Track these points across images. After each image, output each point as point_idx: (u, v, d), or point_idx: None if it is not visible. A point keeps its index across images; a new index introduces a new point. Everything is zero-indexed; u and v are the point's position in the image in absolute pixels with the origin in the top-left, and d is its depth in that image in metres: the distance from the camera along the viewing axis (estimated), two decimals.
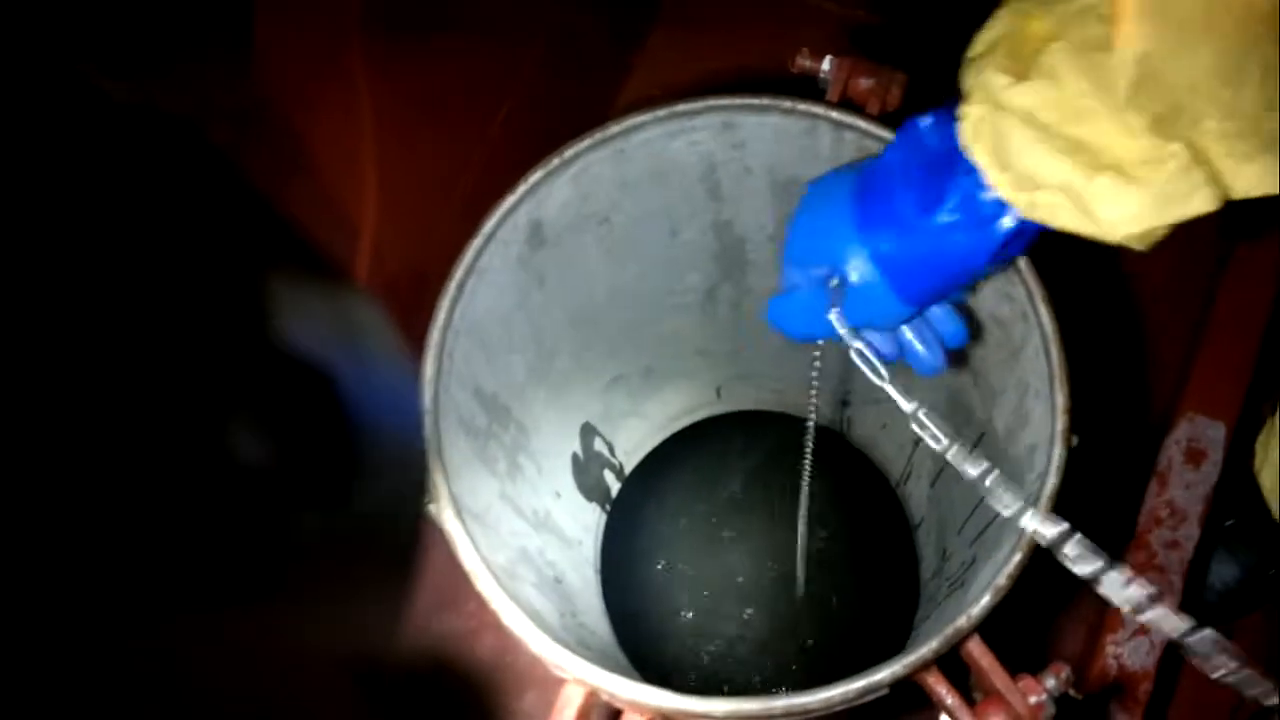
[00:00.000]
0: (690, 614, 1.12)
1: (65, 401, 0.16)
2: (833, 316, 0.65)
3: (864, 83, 0.73)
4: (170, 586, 0.17)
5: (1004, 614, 0.65)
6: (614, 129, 0.73)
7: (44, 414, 0.15)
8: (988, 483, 0.64)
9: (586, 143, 0.73)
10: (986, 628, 0.65)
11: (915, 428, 0.66)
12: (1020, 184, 0.55)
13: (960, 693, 0.64)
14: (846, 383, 1.06)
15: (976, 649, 0.64)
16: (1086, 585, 0.62)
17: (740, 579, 1.14)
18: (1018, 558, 0.63)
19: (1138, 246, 0.54)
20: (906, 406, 0.66)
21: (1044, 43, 0.53)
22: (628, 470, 1.16)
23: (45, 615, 0.15)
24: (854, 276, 0.64)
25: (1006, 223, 0.57)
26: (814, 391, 0.78)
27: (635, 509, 1.15)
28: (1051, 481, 0.65)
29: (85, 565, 0.16)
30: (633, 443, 1.14)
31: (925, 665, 0.63)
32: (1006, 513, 0.64)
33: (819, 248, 0.65)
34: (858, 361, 0.66)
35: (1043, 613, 1.05)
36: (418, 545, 0.28)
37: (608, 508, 1.15)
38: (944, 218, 0.59)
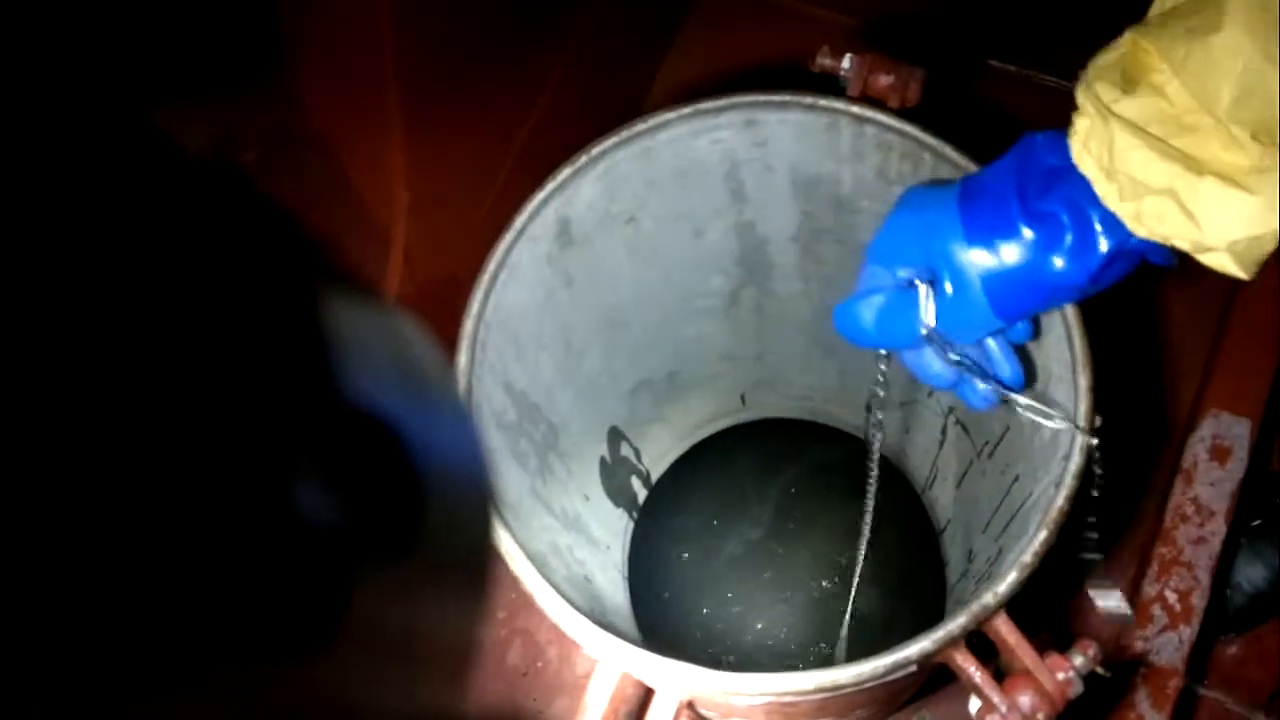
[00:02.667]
0: (717, 624, 1.13)
1: (128, 459, 0.16)
2: (923, 296, 0.65)
3: (884, 79, 0.75)
4: (218, 642, 0.17)
5: (1033, 598, 0.66)
6: (640, 126, 0.75)
7: (104, 472, 0.16)
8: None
9: (613, 140, 0.75)
10: (1016, 610, 0.66)
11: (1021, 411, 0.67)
12: (1126, 192, 0.56)
13: (989, 671, 0.65)
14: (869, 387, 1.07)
15: (1004, 627, 0.65)
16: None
17: (766, 590, 1.15)
18: (1044, 535, 0.64)
19: (1239, 266, 0.55)
20: (1036, 416, 0.67)
21: (1153, 64, 0.55)
22: (654, 477, 1.18)
23: (91, 668, 0.15)
24: (951, 283, 0.64)
25: (1105, 244, 0.59)
26: (878, 410, 0.79)
27: (662, 516, 1.16)
28: (1075, 460, 0.65)
29: (133, 618, 0.16)
30: (659, 449, 1.15)
31: (953, 641, 0.63)
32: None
33: (916, 248, 0.65)
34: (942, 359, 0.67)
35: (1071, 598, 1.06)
36: (484, 596, 0.27)
37: (635, 515, 1.16)
38: (1051, 232, 0.60)
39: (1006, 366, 0.68)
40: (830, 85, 0.78)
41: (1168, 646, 0.91)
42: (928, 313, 0.65)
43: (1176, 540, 0.94)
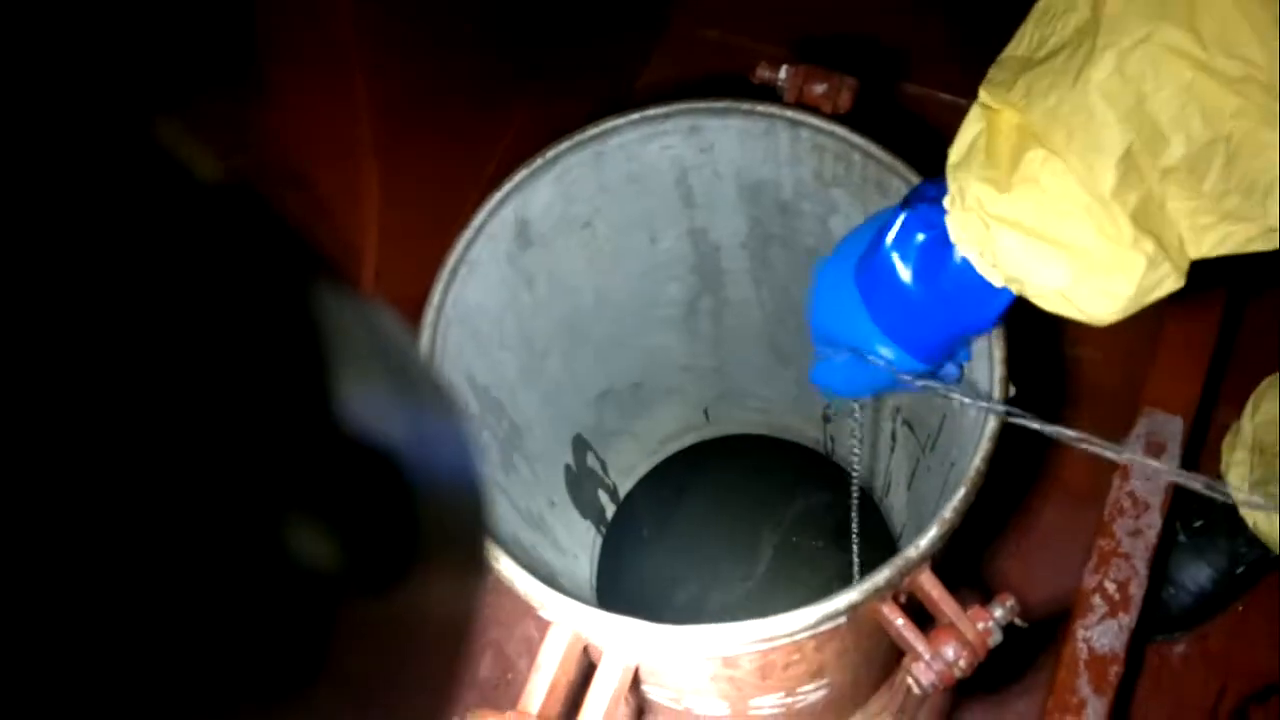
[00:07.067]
0: None
1: (124, 494, 0.15)
2: (882, 363, 0.70)
3: (817, 87, 0.81)
4: (199, 682, 0.17)
5: (960, 559, 0.70)
6: (591, 131, 0.81)
7: (86, 503, 0.15)
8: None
9: (566, 144, 0.81)
10: (944, 573, 0.70)
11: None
12: (1011, 279, 0.61)
13: (914, 623, 0.69)
14: (826, 399, 1.12)
15: (927, 581, 0.69)
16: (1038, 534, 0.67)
17: (735, 611, 1.18)
18: (962, 491, 0.68)
19: (1112, 323, 0.61)
20: (958, 397, 0.72)
21: (1020, 141, 0.58)
22: (621, 493, 1.22)
23: (72, 710, 0.15)
24: (874, 352, 0.70)
25: (1006, 296, 0.63)
26: (855, 449, 0.84)
27: (631, 536, 1.20)
28: (990, 426, 0.70)
29: (107, 656, 0.15)
30: (626, 463, 1.19)
31: (879, 594, 0.67)
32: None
33: (838, 331, 0.71)
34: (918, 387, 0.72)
35: (996, 560, 1.11)
36: (473, 622, 0.26)
37: (603, 529, 1.20)
38: (946, 293, 0.65)
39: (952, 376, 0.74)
40: (771, 96, 0.84)
41: (1108, 634, 0.95)
42: (893, 369, 0.70)
43: (1115, 533, 0.98)
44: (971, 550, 1.04)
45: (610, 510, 1.21)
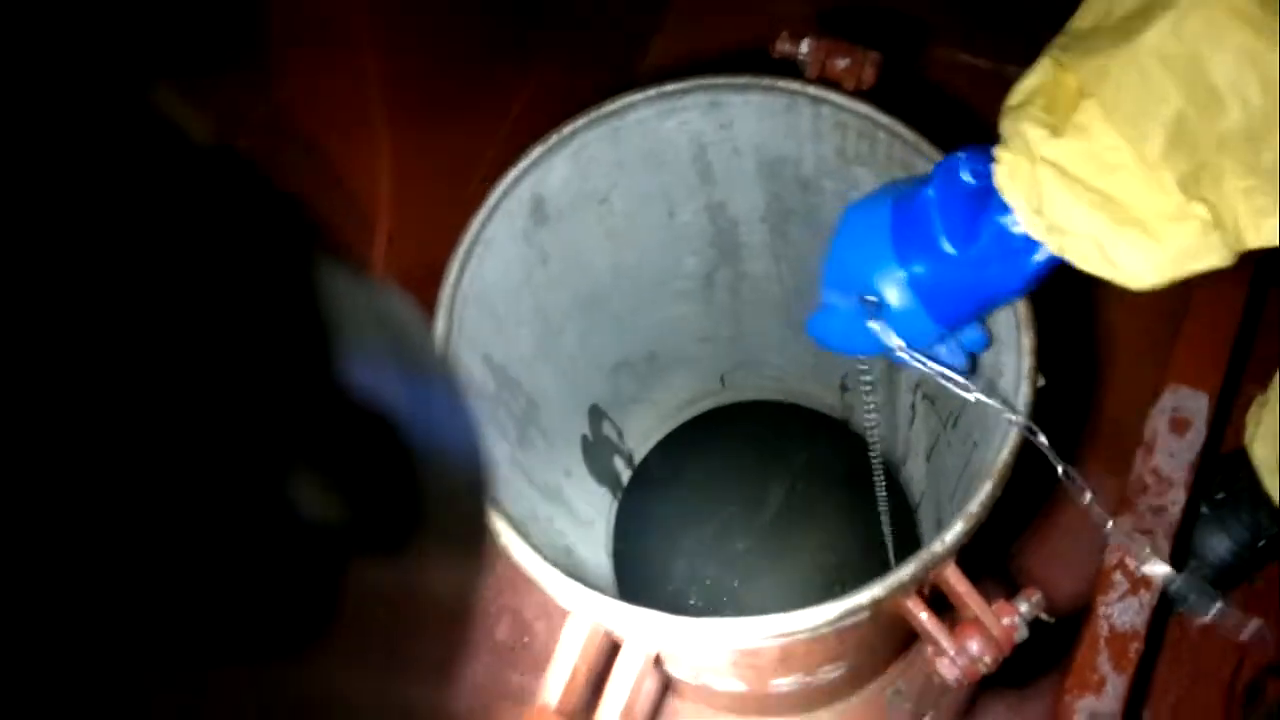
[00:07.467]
0: (699, 602, 1.16)
1: (122, 452, 0.15)
2: (877, 329, 0.69)
3: (840, 63, 0.79)
4: (209, 638, 0.17)
5: (986, 550, 0.69)
6: (608, 107, 0.79)
7: (96, 462, 0.15)
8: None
9: (583, 120, 0.79)
10: (969, 564, 0.69)
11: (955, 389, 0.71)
12: (1052, 229, 0.59)
13: (939, 618, 0.68)
14: (843, 366, 1.11)
15: (953, 575, 0.68)
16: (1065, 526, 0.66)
17: (751, 570, 1.18)
18: (989, 485, 0.67)
19: (1153, 288, 0.59)
20: (970, 396, 0.70)
21: (1078, 97, 0.57)
22: (637, 459, 1.21)
23: (84, 665, 0.15)
24: (892, 301, 0.68)
25: (1039, 257, 0.62)
26: (871, 412, 0.83)
27: (647, 496, 1.20)
28: (1020, 409, 0.69)
29: (119, 612, 0.15)
30: (642, 430, 1.19)
31: (904, 589, 0.66)
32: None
33: (857, 273, 0.69)
34: (911, 364, 0.70)
35: (1023, 552, 1.10)
36: (480, 579, 0.26)
37: (619, 495, 1.19)
38: (980, 251, 0.63)
39: (951, 360, 0.72)
40: (792, 70, 0.82)
41: (1129, 611, 0.94)
42: (889, 337, 0.69)
43: (1138, 509, 0.97)
44: (996, 541, 1.03)
45: (626, 476, 1.20)
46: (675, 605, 1.14)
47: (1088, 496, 0.67)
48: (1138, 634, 0.94)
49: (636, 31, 1.29)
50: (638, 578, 1.16)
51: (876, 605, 0.66)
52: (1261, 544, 1.08)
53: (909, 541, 1.13)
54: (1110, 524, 0.69)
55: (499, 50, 1.04)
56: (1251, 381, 1.09)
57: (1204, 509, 1.10)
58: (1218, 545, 1.09)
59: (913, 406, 1.04)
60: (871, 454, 0.89)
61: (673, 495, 1.21)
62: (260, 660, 0.18)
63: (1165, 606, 1.01)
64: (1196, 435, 0.99)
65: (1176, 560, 0.99)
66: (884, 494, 0.94)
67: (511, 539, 0.69)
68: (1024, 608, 0.67)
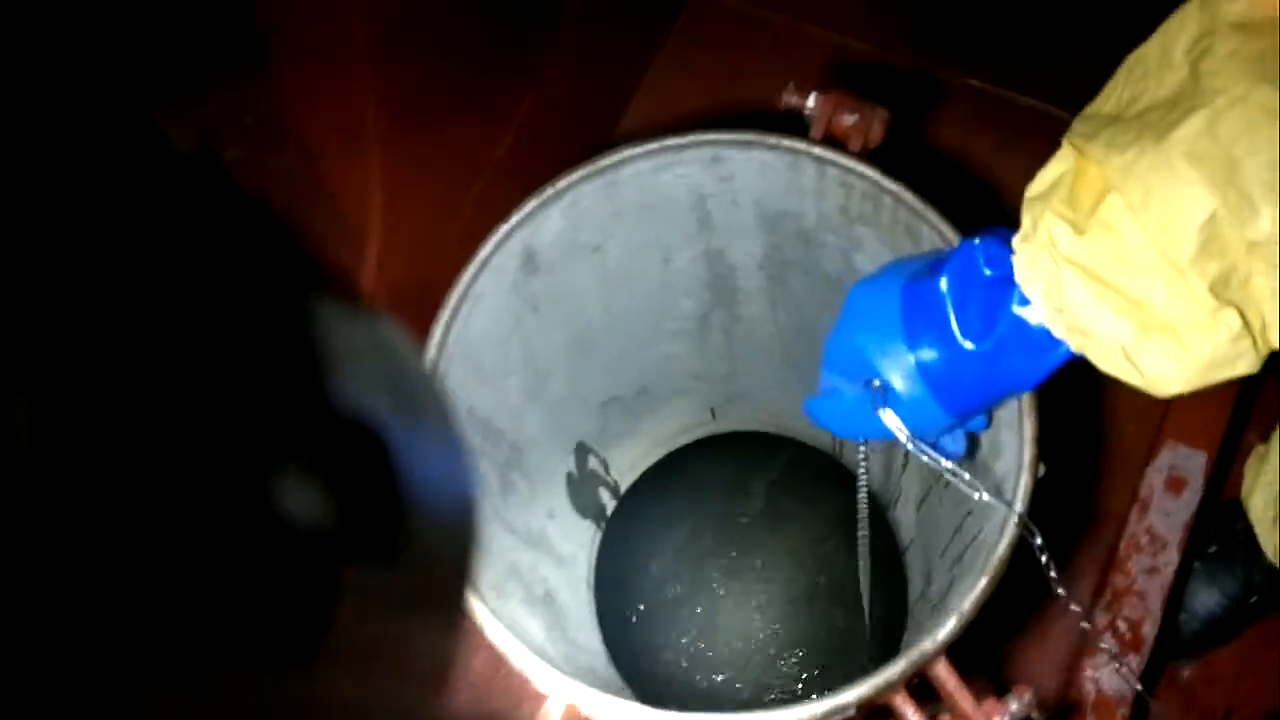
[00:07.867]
0: (684, 636, 1.14)
1: (115, 458, 0.16)
2: (888, 419, 0.66)
3: (847, 119, 0.76)
4: (198, 645, 0.17)
5: (977, 641, 0.67)
6: (604, 161, 0.76)
7: (90, 475, 0.15)
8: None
9: (578, 174, 0.76)
10: (959, 653, 0.68)
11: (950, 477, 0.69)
12: (1074, 329, 0.57)
13: (929, 715, 0.66)
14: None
15: (943, 671, 0.66)
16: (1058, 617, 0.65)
17: (736, 601, 1.16)
18: (984, 583, 0.65)
19: (1174, 395, 0.56)
20: (976, 495, 0.68)
21: (1102, 191, 0.54)
22: (623, 488, 1.19)
23: (76, 671, 0.15)
24: (900, 389, 0.65)
25: (1059, 352, 0.59)
26: (862, 484, 0.80)
27: (631, 527, 1.18)
28: (1018, 507, 0.67)
29: (119, 612, 0.16)
30: (628, 461, 1.16)
31: (892, 687, 0.65)
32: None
33: (864, 357, 0.66)
34: (918, 455, 0.68)
35: (1015, 643, 1.07)
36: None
37: (603, 525, 1.17)
38: (996, 344, 0.60)
39: (952, 446, 0.71)
40: (797, 121, 0.79)
41: (1116, 677, 0.93)
42: (898, 426, 0.66)
43: (1130, 570, 0.95)
44: (988, 633, 1.00)
45: (611, 506, 1.18)
46: (654, 643, 1.13)
47: (1074, 606, 0.65)
48: (1125, 699, 0.93)
49: (630, 65, 1.25)
50: (621, 610, 1.14)
51: (864, 703, 0.64)
52: (1253, 600, 1.07)
53: (895, 584, 1.11)
54: (1089, 626, 0.67)
55: (499, 61, 1.00)
56: (1253, 429, 1.07)
57: (1196, 563, 1.08)
58: (1209, 599, 1.08)
59: (905, 455, 1.01)
60: (859, 494, 0.86)
61: (657, 523, 1.19)
62: (259, 665, 0.18)
63: (1155, 663, 1.00)
64: (1193, 495, 0.97)
65: (1168, 618, 0.97)
66: (866, 547, 0.90)
67: (488, 622, 0.67)
68: (1014, 706, 0.66)
